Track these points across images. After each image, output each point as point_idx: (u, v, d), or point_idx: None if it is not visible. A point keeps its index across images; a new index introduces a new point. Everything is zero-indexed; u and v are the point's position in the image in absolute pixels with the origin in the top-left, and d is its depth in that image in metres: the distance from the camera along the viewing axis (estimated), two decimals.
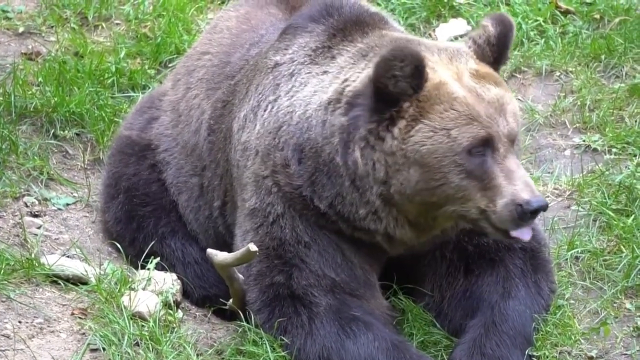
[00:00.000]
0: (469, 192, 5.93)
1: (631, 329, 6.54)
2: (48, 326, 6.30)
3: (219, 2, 9.58)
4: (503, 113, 6.00)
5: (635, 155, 7.83)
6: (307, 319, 6.16)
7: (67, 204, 7.55)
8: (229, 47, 7.07)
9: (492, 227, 5.98)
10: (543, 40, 8.98)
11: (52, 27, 9.14)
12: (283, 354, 6.16)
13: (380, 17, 6.55)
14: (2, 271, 6.50)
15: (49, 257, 6.73)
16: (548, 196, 7.57)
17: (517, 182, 5.91)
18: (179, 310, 6.62)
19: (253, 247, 6.05)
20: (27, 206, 7.39)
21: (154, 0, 9.42)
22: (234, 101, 6.68)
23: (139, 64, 8.86)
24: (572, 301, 6.69)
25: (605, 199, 7.36)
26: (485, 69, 6.15)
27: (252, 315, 6.29)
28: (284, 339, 6.17)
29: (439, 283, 6.49)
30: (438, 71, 6.00)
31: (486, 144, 5.93)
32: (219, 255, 6.28)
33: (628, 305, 6.69)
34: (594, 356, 6.37)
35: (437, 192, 5.94)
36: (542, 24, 9.09)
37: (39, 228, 7.18)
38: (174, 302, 6.58)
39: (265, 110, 6.36)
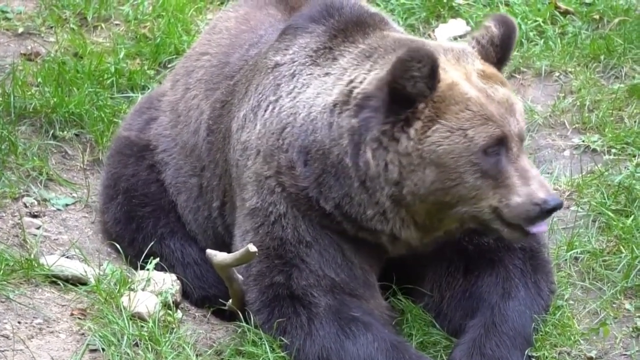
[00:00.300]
0: (483, 191, 5.97)
1: (630, 329, 6.54)
2: (47, 327, 6.30)
3: (218, 3, 9.58)
4: (513, 113, 6.07)
5: (634, 156, 7.83)
6: (306, 319, 6.17)
7: (67, 205, 7.55)
8: (228, 48, 7.07)
9: (506, 226, 6.03)
10: (542, 40, 8.98)
11: (52, 27, 9.14)
12: (282, 354, 6.16)
13: (380, 17, 6.56)
14: (2, 272, 6.50)
15: (48, 258, 6.73)
16: None
17: (532, 181, 5.98)
18: (179, 311, 6.62)
19: (252, 248, 6.05)
20: (26, 207, 7.39)
21: (153, 0, 9.42)
22: (233, 101, 6.68)
23: (138, 64, 8.85)
24: (571, 302, 6.69)
25: (604, 199, 7.37)
26: (491, 69, 6.20)
27: (251, 315, 6.29)
28: (283, 339, 6.18)
29: (439, 283, 6.50)
30: (449, 71, 6.02)
31: (500, 143, 5.98)
32: (218, 256, 6.28)
33: (627, 306, 6.69)
34: (594, 357, 6.37)
35: (451, 192, 5.97)
36: (542, 24, 9.10)
37: (38, 228, 7.18)
38: (173, 302, 6.58)
39: (265, 110, 6.36)
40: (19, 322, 6.27)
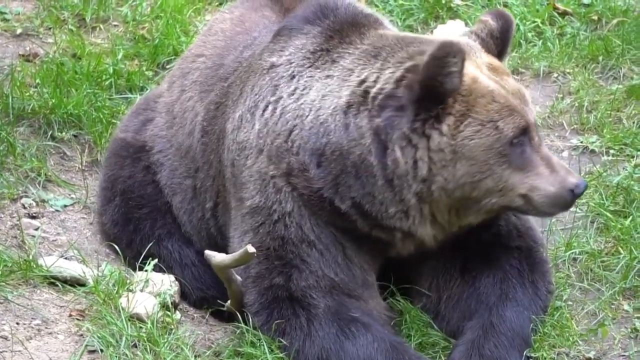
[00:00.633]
0: (510, 181, 6.07)
1: (629, 330, 6.54)
2: (46, 328, 6.30)
3: (216, 4, 9.58)
4: (527, 102, 6.20)
5: (633, 157, 7.83)
6: (305, 320, 6.17)
7: (65, 206, 7.55)
8: (223, 50, 7.08)
9: (539, 212, 6.21)
10: (541, 41, 8.99)
11: (50, 28, 9.14)
12: (281, 355, 6.15)
13: (374, 18, 6.57)
14: (0, 273, 6.50)
15: (47, 259, 6.73)
16: None
17: (559, 168, 6.15)
18: (177, 312, 6.62)
19: (251, 249, 6.05)
20: (24, 208, 7.39)
21: (151, 1, 9.42)
22: (227, 103, 6.69)
23: (137, 65, 8.85)
24: (569, 302, 6.69)
25: (603, 200, 7.37)
26: (496, 61, 6.29)
27: (250, 316, 6.29)
28: (282, 340, 6.17)
29: (436, 283, 6.50)
30: (466, 65, 6.05)
31: (524, 133, 6.08)
32: (216, 257, 6.28)
33: (626, 307, 6.69)
34: (592, 357, 6.37)
35: (479, 185, 6.05)
36: (540, 25, 9.11)
37: (36, 229, 7.18)
38: (171, 303, 6.57)
39: (264, 111, 6.36)
40: (18, 323, 6.27)
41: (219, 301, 6.62)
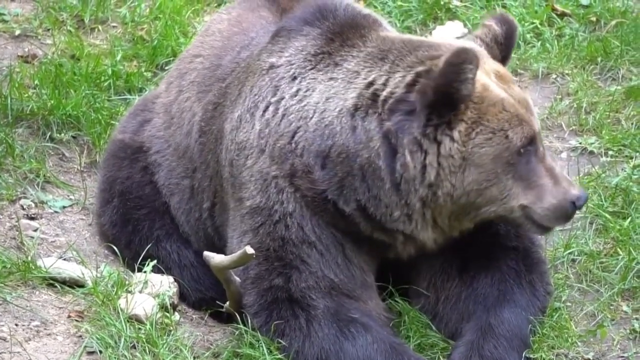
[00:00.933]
0: (514, 191, 6.09)
1: (628, 331, 6.55)
2: (45, 329, 6.29)
3: (215, 5, 9.58)
4: (532, 112, 6.23)
5: (631, 158, 7.83)
6: (305, 321, 6.16)
7: (64, 207, 7.55)
8: (220, 50, 7.08)
9: (535, 225, 6.19)
10: (539, 42, 8.99)
11: (49, 29, 9.14)
12: (280, 356, 6.15)
13: (373, 18, 6.57)
14: None
15: (46, 260, 6.73)
16: None
17: (561, 179, 6.18)
18: (176, 313, 6.62)
19: (250, 250, 6.05)
20: (23, 209, 7.39)
21: (150, 3, 9.42)
22: (225, 103, 6.68)
23: (136, 66, 8.85)
24: (568, 304, 6.69)
25: (601, 201, 7.36)
26: (502, 69, 6.30)
27: (249, 317, 6.29)
28: (281, 341, 6.17)
29: (434, 283, 6.50)
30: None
31: (531, 143, 6.11)
32: (215, 258, 6.27)
33: (625, 308, 6.69)
34: (591, 358, 6.37)
35: (484, 193, 6.07)
36: (539, 26, 9.11)
37: (35, 231, 7.18)
38: (170, 304, 6.57)
39: (264, 111, 6.36)
40: (16, 325, 6.26)
41: (217, 302, 6.61)
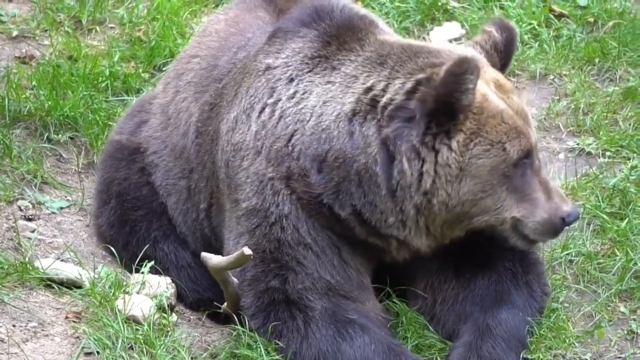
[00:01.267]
0: (507, 202, 6.10)
1: (625, 332, 6.55)
2: (42, 330, 6.29)
3: (213, 6, 9.58)
4: (530, 124, 6.23)
5: (629, 159, 7.84)
6: (302, 322, 6.16)
7: (61, 208, 7.55)
8: (217, 51, 7.07)
9: (521, 237, 6.21)
10: (537, 43, 8.99)
11: (46, 30, 9.14)
12: (278, 357, 6.15)
13: (370, 19, 6.55)
14: None
15: (43, 261, 6.73)
16: None
17: (554, 194, 6.19)
18: (173, 314, 6.61)
19: (247, 251, 6.04)
20: (21, 210, 7.39)
21: (148, 4, 9.41)
22: (222, 103, 6.68)
23: (133, 67, 8.85)
24: (566, 304, 6.69)
25: (599, 202, 7.37)
26: (502, 78, 6.28)
27: (246, 319, 6.28)
28: (279, 343, 6.17)
29: (431, 284, 6.50)
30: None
31: (528, 156, 6.12)
32: (213, 259, 6.27)
33: (622, 309, 6.69)
34: (588, 359, 6.37)
35: (479, 203, 6.07)
36: (536, 27, 9.11)
37: (32, 232, 7.17)
38: (168, 305, 6.58)
39: (261, 112, 6.35)
40: (14, 326, 6.26)
41: (215, 303, 6.61)
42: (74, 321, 6.36)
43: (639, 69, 8.67)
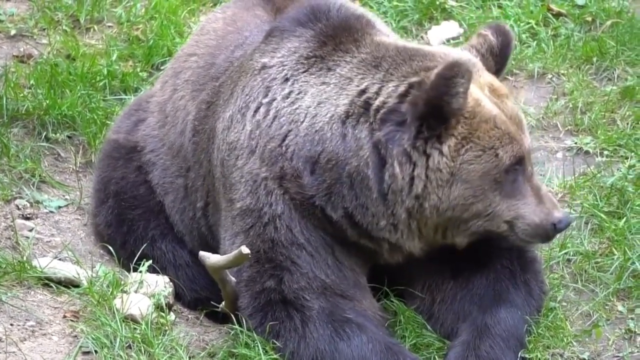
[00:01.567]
0: (499, 207, 6.10)
1: (623, 331, 6.55)
2: (40, 329, 6.29)
3: (211, 5, 9.57)
4: (523, 129, 6.22)
5: (627, 158, 7.84)
6: (299, 322, 6.16)
7: (59, 207, 7.54)
8: (215, 49, 7.07)
9: (518, 239, 6.23)
10: (535, 42, 8.99)
11: (44, 29, 9.13)
12: (275, 356, 6.15)
13: (366, 20, 6.53)
14: None
15: (41, 260, 6.72)
16: None
17: (546, 200, 6.18)
18: (171, 313, 6.61)
19: (245, 250, 6.04)
20: (18, 209, 7.39)
21: (146, 2, 9.41)
22: (218, 102, 6.68)
23: (131, 66, 8.85)
24: (564, 303, 6.69)
25: (597, 201, 7.37)
26: (496, 82, 6.26)
27: (244, 318, 6.28)
28: (276, 342, 6.17)
29: (429, 284, 6.50)
30: (470, 86, 6.03)
31: (520, 162, 6.11)
32: (211, 258, 6.26)
33: (620, 308, 6.69)
34: (586, 358, 6.38)
35: (470, 208, 6.07)
36: (534, 26, 9.11)
37: (30, 231, 7.17)
38: (166, 304, 6.57)
39: (256, 112, 6.34)
40: (12, 325, 6.26)
41: (213, 302, 6.61)
42: (71, 320, 6.36)
43: (637, 68, 8.67)
